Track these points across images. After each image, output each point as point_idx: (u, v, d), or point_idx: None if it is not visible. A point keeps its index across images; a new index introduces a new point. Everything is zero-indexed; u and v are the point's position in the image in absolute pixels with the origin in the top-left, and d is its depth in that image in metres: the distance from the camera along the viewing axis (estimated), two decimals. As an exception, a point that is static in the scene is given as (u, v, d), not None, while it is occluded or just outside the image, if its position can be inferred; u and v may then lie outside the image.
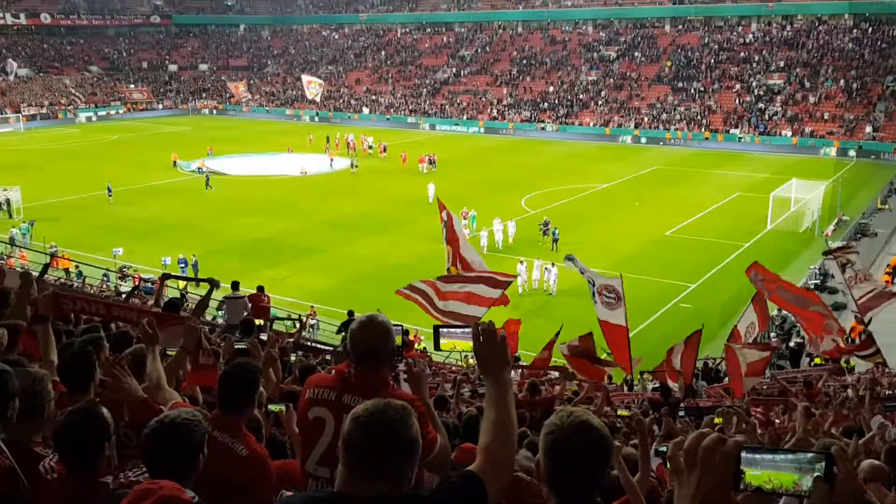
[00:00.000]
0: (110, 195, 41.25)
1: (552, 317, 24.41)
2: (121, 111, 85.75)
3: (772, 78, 67.20)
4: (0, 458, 3.27)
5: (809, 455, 1.74)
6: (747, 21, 74.76)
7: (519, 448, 5.74)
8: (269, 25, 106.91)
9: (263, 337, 6.44)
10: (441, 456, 3.42)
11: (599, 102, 71.84)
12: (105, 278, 25.86)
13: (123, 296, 18.12)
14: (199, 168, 48.53)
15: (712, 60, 71.89)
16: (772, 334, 22.92)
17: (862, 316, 14.41)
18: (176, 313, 7.01)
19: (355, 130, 65.01)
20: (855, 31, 68.40)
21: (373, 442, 2.25)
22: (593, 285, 14.32)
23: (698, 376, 17.14)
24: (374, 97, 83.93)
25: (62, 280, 23.88)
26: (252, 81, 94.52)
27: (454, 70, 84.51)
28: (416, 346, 19.77)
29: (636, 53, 76.83)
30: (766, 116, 63.43)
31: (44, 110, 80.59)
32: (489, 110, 75.56)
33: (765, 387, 15.15)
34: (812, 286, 27.91)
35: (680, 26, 78.24)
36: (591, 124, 69.21)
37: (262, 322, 12.53)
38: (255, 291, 17.63)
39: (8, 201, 38.48)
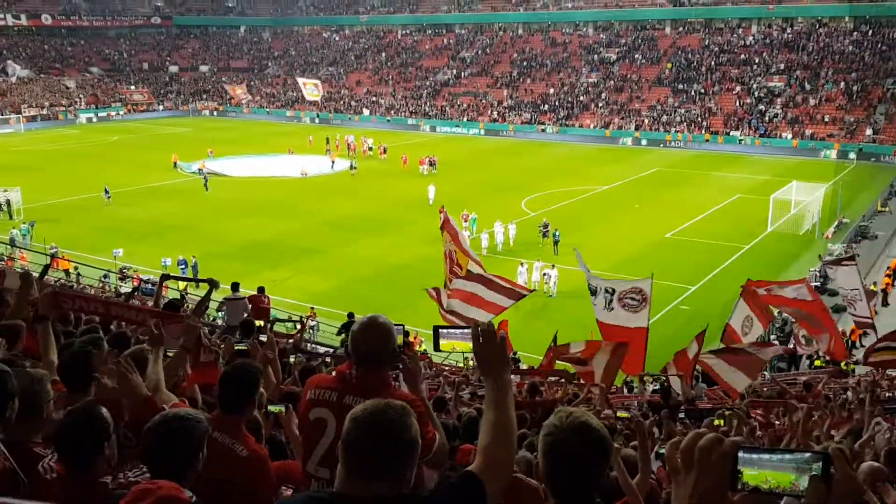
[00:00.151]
0: (108, 197, 41.20)
1: (552, 318, 24.41)
2: (121, 112, 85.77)
3: (772, 80, 67.22)
4: (-1, 458, 3.27)
5: (807, 455, 1.73)
6: (748, 23, 74.79)
7: (518, 449, 5.74)
8: (269, 27, 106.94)
9: (263, 338, 6.44)
10: (439, 454, 3.43)
11: (600, 104, 71.87)
12: (105, 279, 25.88)
13: (123, 297, 18.11)
14: (199, 169, 48.55)
15: (713, 62, 71.92)
16: (772, 336, 22.90)
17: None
18: (175, 313, 7.01)
19: (355, 132, 65.04)
20: (855, 33, 68.41)
21: (372, 442, 2.25)
22: (610, 293, 14.05)
23: (698, 378, 17.13)
24: (374, 99, 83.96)
25: (62, 281, 23.88)
26: (252, 83, 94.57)
27: (454, 72, 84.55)
28: (415, 347, 19.75)
29: (636, 55, 76.86)
30: (767, 119, 63.44)
31: (44, 111, 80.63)
32: (489, 112, 75.58)
33: (765, 389, 15.14)
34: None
35: (680, 28, 78.28)
36: (592, 126, 69.22)
37: (262, 323, 12.52)
38: (255, 293, 17.63)
39: (8, 202, 38.49)
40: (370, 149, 58.81)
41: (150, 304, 9.83)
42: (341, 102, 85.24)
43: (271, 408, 5.06)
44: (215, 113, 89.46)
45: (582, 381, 13.85)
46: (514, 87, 78.46)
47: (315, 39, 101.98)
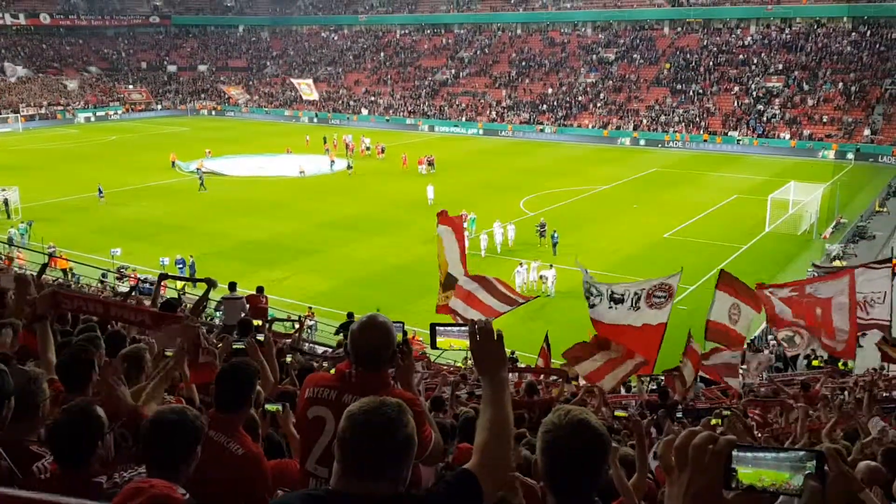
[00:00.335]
0: (101, 196, 41.08)
1: (550, 318, 24.42)
2: (119, 112, 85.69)
3: (770, 80, 67.27)
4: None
5: (801, 453, 1.73)
6: (746, 23, 74.85)
7: (516, 448, 5.73)
8: (268, 26, 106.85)
9: (260, 337, 6.43)
10: (435, 453, 3.43)
11: (598, 104, 71.89)
12: (103, 278, 25.86)
13: (120, 296, 18.10)
14: (197, 169, 48.53)
15: (711, 63, 71.95)
16: (770, 336, 22.90)
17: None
18: (173, 313, 7.00)
19: (354, 131, 65.04)
20: (853, 34, 68.48)
21: (368, 440, 2.24)
22: (638, 294, 13.57)
23: (696, 379, 17.13)
24: (373, 98, 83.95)
25: (60, 280, 23.87)
26: (251, 82, 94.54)
27: (453, 72, 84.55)
28: (414, 345, 19.74)
29: (635, 55, 76.90)
30: (765, 119, 63.49)
31: (42, 111, 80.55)
32: (488, 112, 75.59)
33: (762, 389, 15.15)
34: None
35: (679, 28, 78.32)
36: (590, 126, 69.24)
37: (260, 323, 12.52)
38: (254, 292, 17.65)
39: (6, 201, 38.44)
40: (367, 148, 58.81)
41: (148, 303, 9.83)
42: (340, 102, 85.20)
43: (268, 406, 5.05)
44: (213, 112, 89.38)
45: (582, 382, 13.82)
46: (513, 87, 78.48)
47: (314, 39, 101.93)
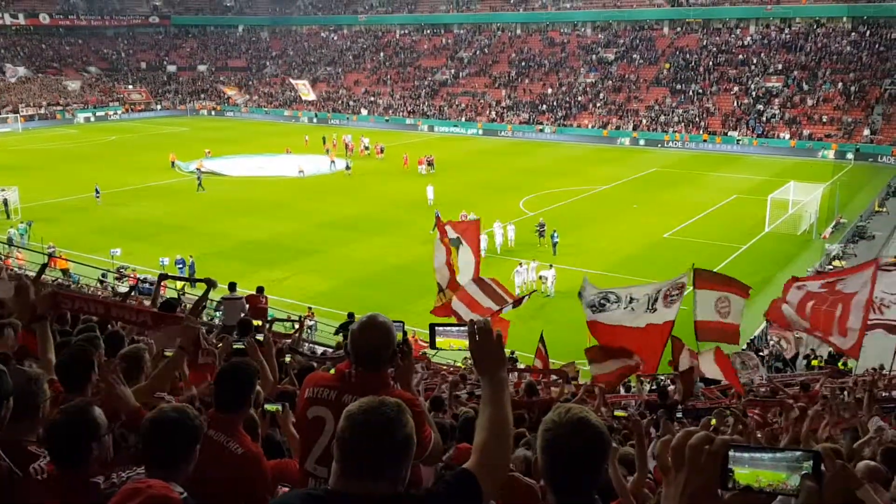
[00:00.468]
0: (98, 197, 41.03)
1: (550, 318, 24.43)
2: (119, 112, 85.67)
3: (770, 80, 67.28)
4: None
5: (797, 454, 1.73)
6: (745, 23, 74.85)
7: (515, 448, 5.73)
8: (267, 26, 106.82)
9: (259, 337, 6.43)
10: (435, 453, 3.43)
11: (598, 104, 71.90)
12: (103, 278, 25.85)
13: (120, 297, 18.10)
14: (197, 169, 48.53)
15: (711, 63, 71.95)
16: (771, 335, 22.90)
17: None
18: (173, 313, 7.00)
19: (353, 132, 65.04)
20: (853, 34, 68.48)
21: (367, 440, 2.24)
22: (654, 296, 13.36)
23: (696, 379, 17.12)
24: (372, 98, 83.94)
25: (59, 280, 23.87)
26: (251, 82, 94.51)
27: (453, 72, 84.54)
28: (414, 345, 19.72)
29: (634, 55, 76.90)
30: (765, 119, 63.50)
31: (42, 111, 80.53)
32: (488, 112, 75.58)
33: (762, 389, 15.14)
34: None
35: (678, 28, 78.32)
36: (590, 126, 69.24)
37: (259, 323, 12.51)
38: (254, 292, 17.65)
39: (6, 201, 38.44)
40: (366, 148, 58.82)
41: (148, 304, 9.83)
42: (339, 102, 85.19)
43: (268, 406, 5.05)
44: (213, 112, 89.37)
45: (580, 382, 13.84)
46: (513, 87, 78.48)
47: (313, 39, 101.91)
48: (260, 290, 17.87)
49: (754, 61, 69.96)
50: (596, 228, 36.45)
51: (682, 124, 65.58)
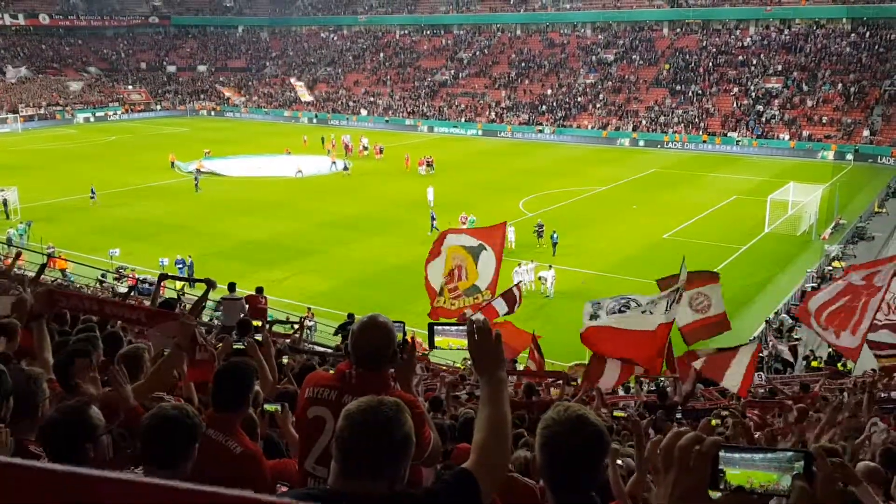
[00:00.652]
0: (93, 197, 41.00)
1: (549, 319, 24.45)
2: (119, 112, 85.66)
3: (770, 81, 67.29)
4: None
5: (789, 454, 1.72)
6: (745, 24, 74.88)
7: (515, 449, 5.73)
8: (267, 27, 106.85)
9: (258, 337, 6.43)
10: (434, 454, 3.43)
11: (597, 105, 71.91)
12: (102, 279, 25.84)
13: (119, 297, 18.10)
14: (197, 169, 48.53)
15: (710, 64, 71.97)
16: (769, 337, 22.93)
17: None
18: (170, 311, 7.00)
19: (353, 132, 65.05)
20: (853, 35, 68.50)
21: (366, 439, 2.25)
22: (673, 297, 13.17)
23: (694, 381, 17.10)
24: (372, 99, 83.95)
25: (58, 280, 23.86)
26: (250, 83, 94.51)
27: (452, 72, 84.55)
28: (415, 346, 19.69)
29: (634, 56, 76.93)
30: (764, 120, 63.51)
31: (41, 111, 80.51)
32: (487, 113, 75.59)
33: (761, 390, 15.15)
34: (809, 289, 27.97)
35: (678, 29, 78.34)
36: (589, 127, 69.26)
37: (259, 323, 12.51)
38: (253, 293, 17.64)
39: (5, 202, 38.44)
40: (365, 148, 58.82)
41: (147, 303, 9.83)
42: (339, 103, 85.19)
43: (267, 407, 5.05)
44: (213, 113, 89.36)
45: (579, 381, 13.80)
46: (512, 87, 78.49)
47: (313, 39, 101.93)
48: (259, 290, 17.86)
49: (754, 62, 69.98)
50: (595, 229, 36.45)
51: (682, 125, 65.59)
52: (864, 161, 54.98)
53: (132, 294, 16.36)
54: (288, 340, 13.43)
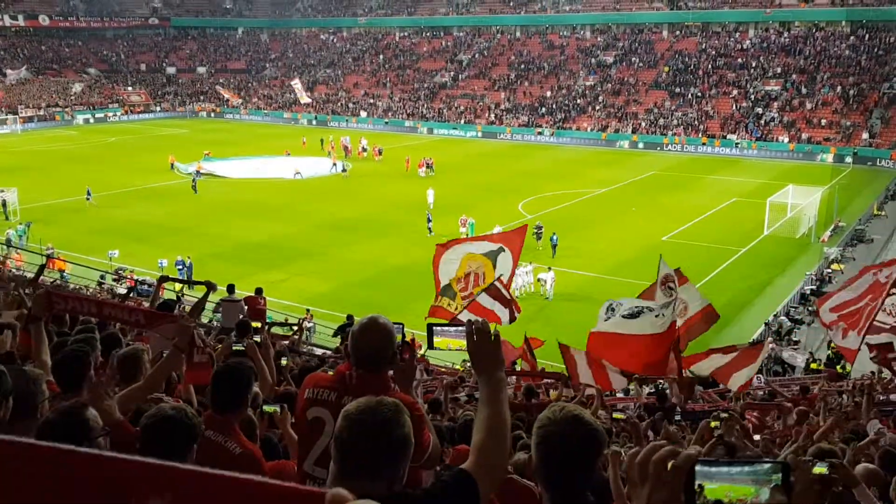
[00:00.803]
0: (89, 199, 40.99)
1: (548, 321, 24.44)
2: (118, 114, 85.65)
3: (769, 84, 67.34)
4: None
5: (766, 466, 1.71)
6: (745, 27, 74.93)
7: (513, 450, 5.73)
8: (267, 28, 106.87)
9: (258, 339, 6.43)
10: (433, 457, 3.43)
11: (597, 107, 71.94)
12: (101, 280, 25.82)
13: (118, 299, 18.09)
14: (197, 171, 48.51)
15: (710, 66, 72.03)
16: (768, 338, 22.92)
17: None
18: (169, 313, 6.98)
19: (352, 133, 65.05)
20: (852, 37, 68.57)
21: (365, 440, 2.25)
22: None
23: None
24: (371, 101, 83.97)
25: (56, 281, 23.83)
26: (250, 84, 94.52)
27: (452, 74, 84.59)
28: (415, 348, 19.67)
29: (634, 59, 76.97)
30: (763, 122, 63.56)
31: (41, 112, 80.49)
32: (487, 115, 75.62)
33: (760, 392, 15.15)
34: (808, 291, 27.99)
35: (678, 32, 78.39)
36: (589, 129, 69.28)
37: (258, 325, 12.50)
38: (252, 294, 17.63)
39: (4, 203, 38.42)
40: (364, 150, 58.83)
41: (147, 305, 9.82)
42: (339, 104, 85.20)
43: (266, 408, 5.05)
44: (212, 115, 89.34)
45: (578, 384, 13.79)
46: (512, 89, 78.52)
47: (313, 41, 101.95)
48: (258, 291, 17.85)
49: (753, 65, 70.03)
50: (594, 231, 36.46)
51: (681, 127, 65.63)
52: (864, 163, 55.04)
53: (131, 295, 16.35)
54: (286, 342, 13.41)
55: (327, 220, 38.32)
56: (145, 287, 22.98)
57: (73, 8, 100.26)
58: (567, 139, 68.57)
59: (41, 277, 8.69)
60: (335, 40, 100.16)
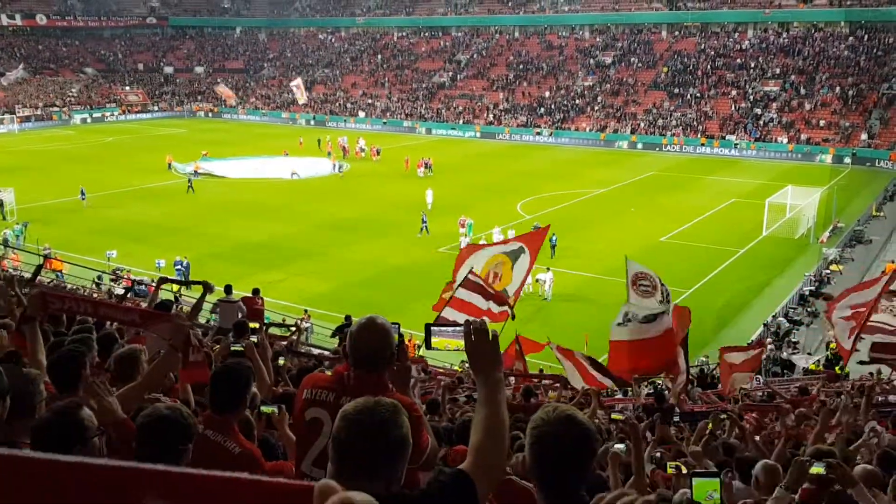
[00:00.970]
0: (83, 199, 40.91)
1: (546, 322, 24.44)
2: (116, 113, 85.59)
3: (768, 84, 67.41)
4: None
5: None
6: (744, 27, 74.99)
7: (512, 451, 5.71)
8: (265, 28, 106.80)
9: (254, 339, 6.41)
10: (431, 458, 3.41)
11: (596, 108, 71.97)
12: (98, 280, 25.77)
13: (115, 299, 18.06)
14: (194, 171, 48.47)
15: (708, 66, 72.08)
16: (768, 339, 22.94)
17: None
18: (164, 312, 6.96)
19: (350, 133, 65.05)
20: (851, 38, 68.64)
21: (363, 440, 2.24)
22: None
23: (693, 382, 17.13)
24: (370, 101, 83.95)
25: (53, 282, 23.81)
26: (248, 84, 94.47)
27: (451, 74, 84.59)
28: (410, 349, 19.68)
29: (632, 59, 77.01)
30: (762, 123, 63.61)
31: (38, 112, 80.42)
32: (485, 115, 75.63)
33: (759, 393, 15.15)
34: (807, 292, 28.01)
35: (676, 32, 78.44)
36: (588, 130, 69.32)
37: (256, 325, 12.48)
38: (249, 294, 17.59)
39: (1, 203, 38.38)
40: (362, 150, 58.83)
41: (144, 305, 9.80)
42: (337, 104, 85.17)
43: (264, 409, 5.03)
44: (210, 114, 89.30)
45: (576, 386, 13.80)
46: (510, 90, 78.53)
47: (311, 41, 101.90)
48: (256, 291, 17.81)
49: (752, 65, 70.08)
50: (593, 232, 36.46)
51: (680, 128, 65.68)
52: (862, 164, 55.10)
53: (129, 295, 16.32)
54: (284, 343, 13.39)
55: (326, 221, 38.31)
56: (143, 287, 22.94)
57: (70, 7, 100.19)
58: (566, 139, 68.60)
59: (38, 277, 8.67)
60: (333, 40, 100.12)
